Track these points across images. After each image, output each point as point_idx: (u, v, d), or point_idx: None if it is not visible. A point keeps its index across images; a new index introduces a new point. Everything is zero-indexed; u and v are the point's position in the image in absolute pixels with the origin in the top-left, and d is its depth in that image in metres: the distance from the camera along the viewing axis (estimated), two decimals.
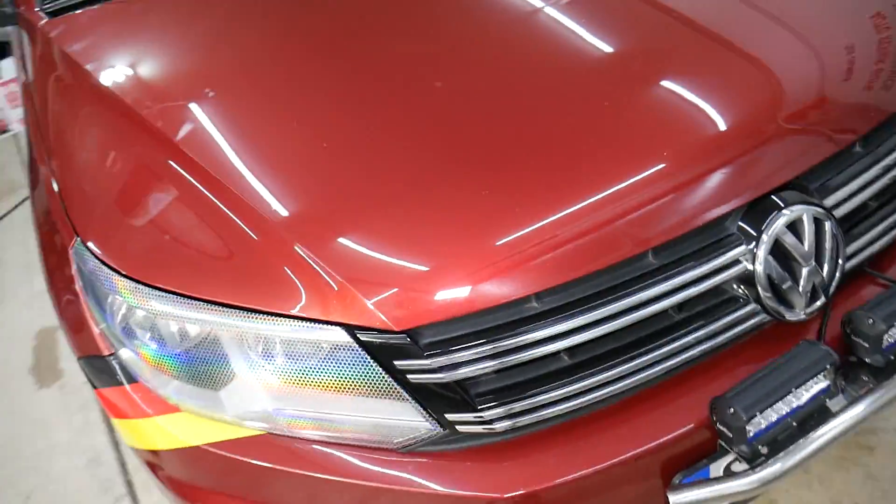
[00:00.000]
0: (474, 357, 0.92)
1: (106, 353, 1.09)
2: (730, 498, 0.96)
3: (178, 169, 1.09)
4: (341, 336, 0.93)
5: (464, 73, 1.18)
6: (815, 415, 0.99)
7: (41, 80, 1.51)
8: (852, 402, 0.99)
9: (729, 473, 1.00)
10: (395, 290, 0.91)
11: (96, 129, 1.28)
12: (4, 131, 4.76)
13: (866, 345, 1.01)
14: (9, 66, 4.58)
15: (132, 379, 1.08)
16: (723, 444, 0.99)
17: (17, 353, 2.79)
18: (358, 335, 0.92)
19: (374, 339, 0.92)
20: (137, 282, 1.01)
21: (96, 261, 1.06)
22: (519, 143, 1.03)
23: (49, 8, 1.59)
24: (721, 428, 0.96)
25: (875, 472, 1.61)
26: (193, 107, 1.21)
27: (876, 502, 1.56)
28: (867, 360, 1.02)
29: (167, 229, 1.06)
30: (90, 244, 1.10)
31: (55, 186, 1.24)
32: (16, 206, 3.83)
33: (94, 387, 1.15)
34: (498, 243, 0.93)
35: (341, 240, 0.96)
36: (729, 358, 1.06)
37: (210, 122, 1.17)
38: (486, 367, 0.92)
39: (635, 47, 1.18)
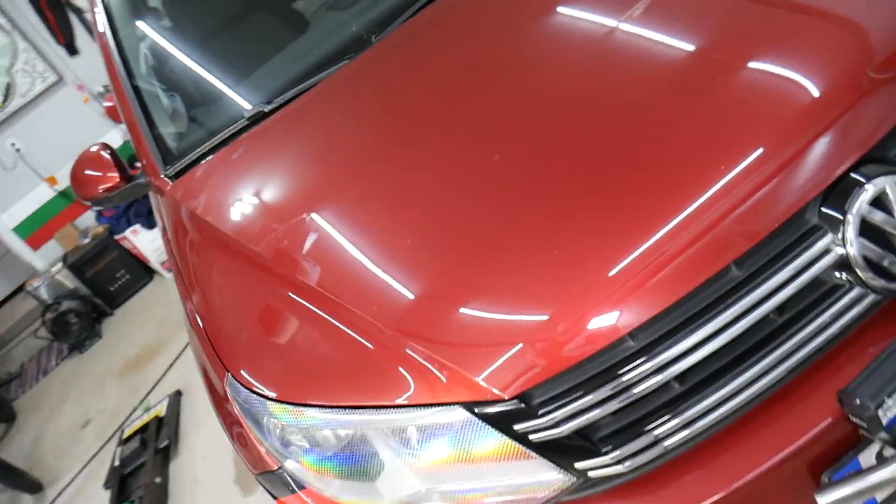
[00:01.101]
0: (584, 406, 0.96)
1: (275, 467, 1.24)
2: (885, 486, 0.93)
3: (297, 299, 1.24)
4: (462, 414, 1.01)
5: (528, 129, 1.23)
6: None
7: (175, 235, 1.73)
8: None
9: (882, 460, 0.97)
10: (498, 363, 0.98)
11: (225, 275, 1.47)
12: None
13: None
14: None
15: (301, 486, 1.21)
16: (864, 434, 0.96)
17: (220, 467, 3.10)
18: (475, 410, 1.00)
19: (491, 410, 0.99)
20: (284, 402, 1.15)
21: (247, 391, 1.21)
22: (591, 191, 1.08)
23: (170, 173, 1.84)
24: (854, 420, 0.94)
25: None
26: (297, 231, 1.36)
27: None
28: None
29: (299, 352, 1.20)
30: (242, 374, 1.25)
31: (202, 328, 1.42)
32: None
33: (274, 497, 1.30)
34: (583, 295, 0.97)
35: (444, 331, 1.04)
36: (854, 344, 1.04)
37: (316, 247, 1.30)
38: (599, 413, 0.97)
39: (680, 69, 1.19)
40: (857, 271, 0.96)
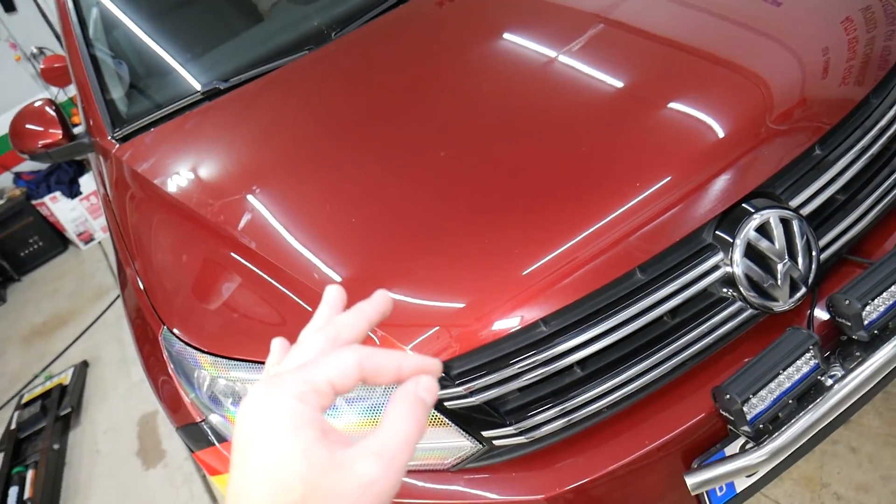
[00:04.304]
0: (498, 380, 1.08)
1: (198, 419, 1.30)
2: (745, 472, 1.08)
3: (238, 258, 1.31)
4: None
5: (468, 133, 1.36)
6: (812, 391, 1.11)
7: (119, 196, 1.77)
8: (844, 375, 1.11)
9: (743, 451, 1.12)
10: (429, 333, 1.09)
11: (168, 234, 1.53)
12: (90, 240, 5.21)
13: (849, 323, 1.12)
14: (87, 181, 5.04)
15: (222, 439, 1.28)
16: (731, 427, 1.11)
17: (122, 440, 3.08)
18: None
19: None
20: (216, 355, 1.22)
21: (181, 343, 1.27)
22: (517, 194, 1.21)
23: (118, 135, 1.87)
24: (724, 413, 1.09)
25: None
26: (244, 202, 1.44)
27: None
28: (854, 336, 1.14)
29: (235, 309, 1.27)
30: (175, 330, 1.32)
31: (141, 285, 1.47)
32: (107, 308, 4.18)
33: (192, 451, 1.36)
34: (507, 281, 1.09)
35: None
36: (733, 352, 1.20)
37: (259, 213, 1.39)
38: (509, 388, 1.09)
39: (630, 80, 1.32)
40: (741, 288, 1.12)
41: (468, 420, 1.12)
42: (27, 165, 5.30)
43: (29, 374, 3.90)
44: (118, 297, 4.24)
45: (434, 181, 1.29)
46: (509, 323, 1.07)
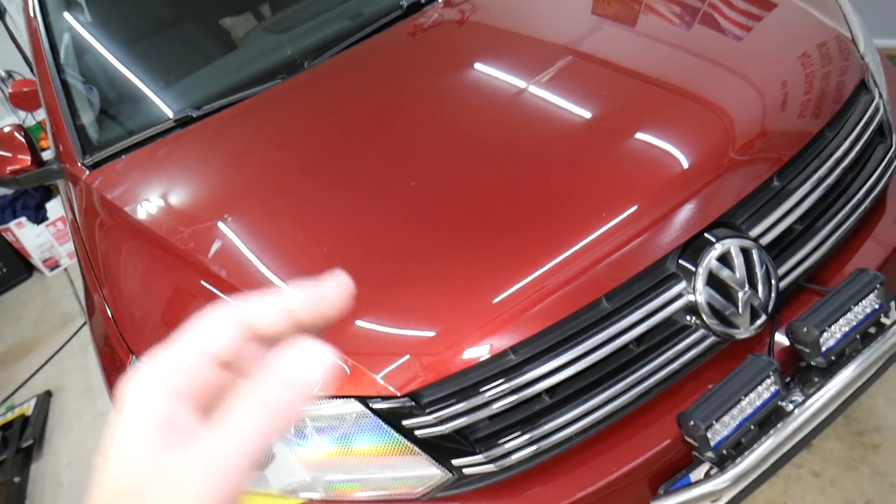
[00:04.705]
0: (468, 408, 1.09)
1: None
2: (709, 498, 1.10)
3: (208, 286, 1.31)
4: (357, 407, 1.11)
5: (438, 163, 1.39)
6: (773, 416, 1.14)
7: (88, 223, 1.76)
8: (804, 400, 1.14)
9: (707, 477, 1.14)
10: (399, 362, 1.10)
11: (137, 261, 1.52)
12: (56, 266, 5.12)
13: (807, 350, 1.16)
14: (54, 207, 4.97)
15: None
16: (695, 454, 1.14)
17: (87, 472, 3.00)
18: (370, 404, 1.10)
19: (384, 406, 1.10)
20: None
21: None
22: (485, 221, 1.23)
23: (88, 162, 1.86)
24: (688, 439, 1.11)
25: (883, 468, 1.72)
26: (215, 230, 1.44)
27: (886, 497, 1.66)
28: (812, 363, 1.17)
29: None
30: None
31: (109, 313, 1.46)
32: (72, 336, 4.11)
33: None
34: (477, 310, 1.11)
35: (351, 333, 1.15)
36: (696, 378, 1.22)
37: (230, 241, 1.39)
38: (479, 416, 1.10)
39: (596, 110, 1.36)
40: (703, 316, 1.15)
41: (438, 449, 1.13)
42: None
43: None
44: (84, 324, 4.17)
45: (405, 210, 1.31)
46: (479, 351, 1.09)
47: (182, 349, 0.38)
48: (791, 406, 1.14)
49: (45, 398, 3.58)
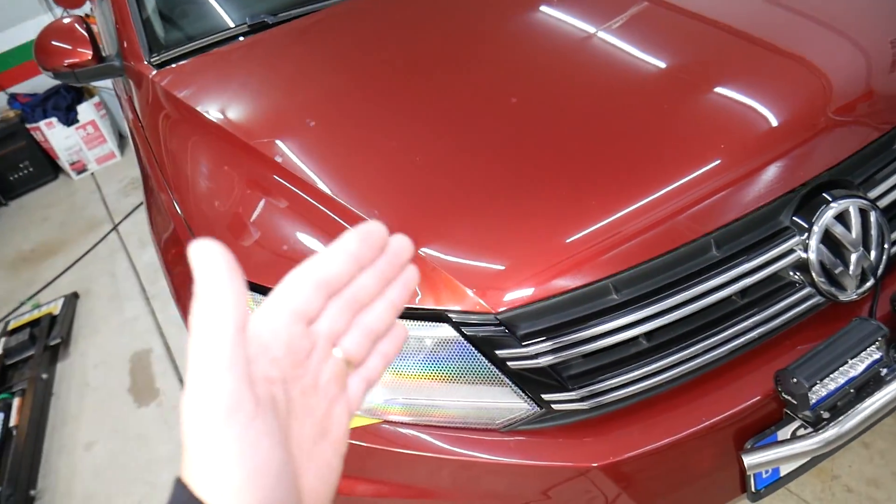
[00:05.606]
0: (565, 344, 1.06)
1: None
2: (799, 458, 1.09)
3: (284, 182, 1.27)
4: (449, 332, 1.08)
5: (534, 90, 1.34)
6: (871, 382, 1.11)
7: (154, 122, 1.71)
8: None
9: (795, 437, 1.12)
10: (497, 273, 1.07)
11: (210, 159, 1.48)
12: (83, 170, 5.08)
13: None
14: (85, 110, 4.90)
15: None
16: (788, 411, 1.12)
17: (114, 376, 3.03)
18: (463, 330, 1.07)
19: (478, 333, 1.07)
20: (257, 286, 1.17)
21: None
22: (590, 148, 1.19)
23: (156, 61, 1.80)
24: (786, 397, 1.09)
25: None
26: (295, 133, 1.39)
27: None
28: None
29: (282, 238, 1.23)
30: None
31: (179, 211, 1.43)
32: (100, 241, 4.10)
33: None
34: (576, 236, 1.07)
35: (444, 238, 1.11)
36: (792, 337, 1.19)
37: (311, 146, 1.35)
38: (576, 353, 1.07)
39: (690, 57, 1.32)
40: (812, 273, 1.12)
41: (527, 381, 1.10)
42: (23, 87, 5.13)
43: (14, 301, 3.82)
44: (112, 230, 4.16)
45: (515, 127, 1.26)
46: (578, 278, 1.05)
47: (270, 310, 0.44)
48: (890, 374, 1.11)
49: (72, 299, 3.58)
